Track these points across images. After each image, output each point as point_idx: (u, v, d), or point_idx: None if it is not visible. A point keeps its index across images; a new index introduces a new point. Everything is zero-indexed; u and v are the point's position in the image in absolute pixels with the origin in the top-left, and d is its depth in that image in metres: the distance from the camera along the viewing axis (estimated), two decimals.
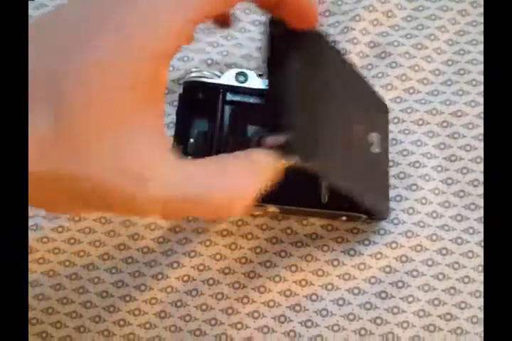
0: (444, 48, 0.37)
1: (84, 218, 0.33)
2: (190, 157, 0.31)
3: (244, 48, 0.37)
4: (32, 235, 0.33)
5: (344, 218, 0.32)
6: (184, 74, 0.36)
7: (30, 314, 0.32)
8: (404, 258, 0.32)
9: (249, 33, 0.38)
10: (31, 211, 0.33)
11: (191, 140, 0.32)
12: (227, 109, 0.31)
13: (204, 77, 0.32)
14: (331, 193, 0.30)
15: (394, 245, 0.33)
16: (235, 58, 0.37)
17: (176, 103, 0.34)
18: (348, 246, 0.33)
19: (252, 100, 0.32)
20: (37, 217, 0.33)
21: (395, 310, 0.32)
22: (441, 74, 0.36)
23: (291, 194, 0.30)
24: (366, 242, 0.33)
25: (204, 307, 0.32)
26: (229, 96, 0.32)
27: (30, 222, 0.33)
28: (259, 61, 0.37)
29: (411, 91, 0.36)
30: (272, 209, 0.31)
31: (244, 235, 0.33)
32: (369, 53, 0.37)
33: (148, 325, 0.32)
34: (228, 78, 0.32)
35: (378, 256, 0.32)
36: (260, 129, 0.31)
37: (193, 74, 0.32)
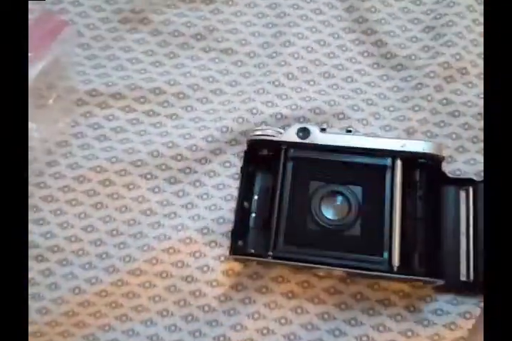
0: None
1: (145, 272, 0.32)
2: (254, 213, 0.31)
3: (313, 101, 0.37)
4: (91, 288, 0.32)
5: (421, 283, 0.30)
6: (253, 126, 0.35)
7: None
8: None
9: (319, 86, 0.37)
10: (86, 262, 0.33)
11: (255, 197, 0.31)
12: (290, 165, 0.31)
13: (267, 135, 0.32)
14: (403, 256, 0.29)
15: (468, 315, 0.31)
16: (303, 112, 0.36)
17: (241, 154, 0.34)
18: (420, 315, 0.31)
19: (314, 156, 0.32)
20: (96, 269, 0.32)
21: None
22: None
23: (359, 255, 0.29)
24: (439, 312, 0.31)
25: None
26: (291, 153, 0.32)
27: (89, 274, 0.32)
28: (326, 115, 0.36)
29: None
30: (339, 272, 0.29)
31: (311, 298, 0.32)
32: (441, 110, 0.36)
33: None
34: (290, 134, 0.32)
35: (452, 326, 0.30)
36: (323, 185, 0.31)
37: (257, 133, 0.32)
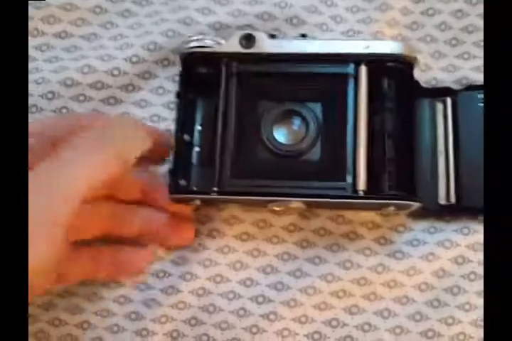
0: None
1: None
2: (197, 147, 0.26)
3: (260, 5, 0.30)
4: None
5: (392, 208, 0.26)
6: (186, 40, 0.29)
7: None
8: (460, 260, 0.27)
9: None
10: None
11: (197, 127, 0.26)
12: (233, 82, 0.26)
13: (204, 46, 0.26)
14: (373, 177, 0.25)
15: (447, 244, 0.27)
16: (248, 18, 0.30)
17: (176, 78, 0.28)
18: (393, 247, 0.27)
19: (262, 68, 0.27)
20: None
21: (450, 321, 0.27)
22: None
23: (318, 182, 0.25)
24: (415, 242, 0.27)
25: (224, 325, 0.27)
26: (234, 67, 0.26)
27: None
28: (279, 21, 0.30)
29: (465, 56, 0.30)
30: (296, 204, 0.25)
31: (269, 239, 0.28)
32: None
33: None
34: (232, 44, 0.26)
35: (430, 257, 0.27)
36: (274, 104, 0.26)
37: (191, 44, 0.27)
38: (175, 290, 0.27)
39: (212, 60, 0.26)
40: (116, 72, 0.29)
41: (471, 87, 0.29)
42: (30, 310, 0.27)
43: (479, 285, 0.27)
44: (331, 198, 0.25)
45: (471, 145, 0.28)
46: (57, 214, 0.20)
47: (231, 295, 0.27)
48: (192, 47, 0.27)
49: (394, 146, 0.26)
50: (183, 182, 0.26)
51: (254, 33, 0.27)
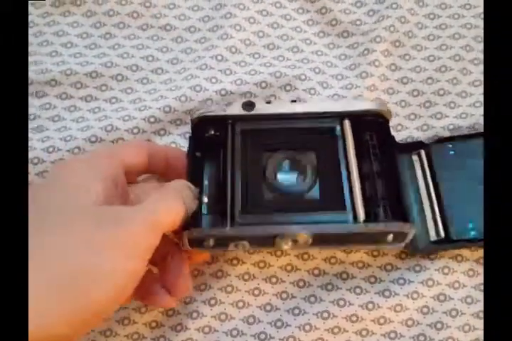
0: (470, 68, 0.35)
1: None
2: (205, 199, 0.29)
3: (258, 75, 0.35)
4: None
5: (390, 237, 0.28)
6: (197, 104, 0.34)
7: None
8: (442, 297, 0.30)
9: (264, 58, 0.36)
10: None
11: (205, 182, 0.30)
12: (238, 139, 0.30)
13: (210, 111, 0.31)
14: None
15: (430, 283, 0.30)
16: (248, 86, 0.35)
17: (187, 135, 0.32)
18: (382, 286, 0.30)
19: (262, 126, 0.30)
20: None
21: None
22: (468, 96, 0.35)
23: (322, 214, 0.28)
24: (401, 281, 0.30)
25: None
26: (238, 126, 0.30)
27: None
28: (275, 88, 0.35)
29: (438, 116, 0.35)
30: (303, 236, 0.27)
31: (267, 278, 0.31)
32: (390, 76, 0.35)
33: None
34: (235, 109, 0.31)
35: (414, 295, 0.30)
36: (275, 154, 0.30)
37: (201, 111, 0.31)
38: (184, 328, 0.30)
39: (220, 122, 0.30)
40: (136, 131, 0.33)
41: (441, 140, 0.33)
42: None
43: (460, 320, 0.29)
44: (335, 223, 0.27)
45: (449, 186, 0.31)
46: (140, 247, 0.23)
47: (234, 332, 0.29)
48: (201, 113, 0.31)
49: (384, 185, 0.29)
50: (196, 232, 0.28)
51: (253, 99, 0.31)
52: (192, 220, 0.28)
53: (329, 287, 0.30)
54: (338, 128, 0.30)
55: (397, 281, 0.30)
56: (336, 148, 0.30)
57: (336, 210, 0.28)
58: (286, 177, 0.30)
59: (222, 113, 0.31)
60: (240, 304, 0.30)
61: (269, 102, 0.31)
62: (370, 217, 0.28)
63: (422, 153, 0.32)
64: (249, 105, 0.31)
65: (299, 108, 0.31)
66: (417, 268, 0.30)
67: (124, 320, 0.30)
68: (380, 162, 0.30)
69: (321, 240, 0.28)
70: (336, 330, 0.29)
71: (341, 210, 0.28)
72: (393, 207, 0.28)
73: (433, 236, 0.30)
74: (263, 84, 0.35)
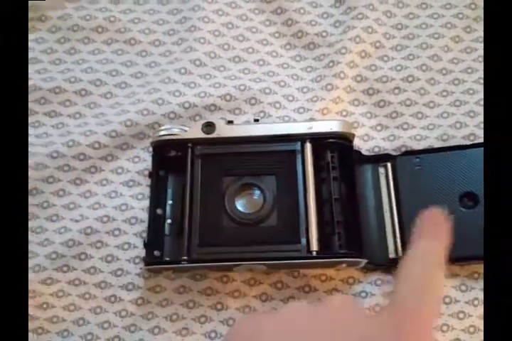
0: (438, 78, 0.35)
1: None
2: (169, 220, 0.30)
3: (223, 87, 0.35)
4: None
5: (344, 265, 0.29)
6: (160, 118, 0.34)
7: None
8: None
9: (229, 71, 0.36)
10: None
11: (169, 202, 0.30)
12: (198, 163, 0.30)
13: (171, 134, 0.31)
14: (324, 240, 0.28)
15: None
16: (212, 99, 0.35)
17: (150, 149, 0.32)
18: None
19: (222, 150, 0.30)
20: None
21: None
22: (436, 106, 0.35)
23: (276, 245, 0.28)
24: (363, 294, 0.30)
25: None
26: (198, 150, 0.30)
27: None
28: (239, 101, 0.35)
29: (405, 126, 0.34)
30: (259, 266, 0.28)
31: (231, 293, 0.30)
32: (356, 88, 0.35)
33: None
34: (195, 131, 0.31)
35: (377, 308, 0.30)
36: (234, 179, 0.30)
37: (161, 133, 0.31)
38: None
39: (179, 145, 0.30)
40: (97, 145, 0.33)
41: (408, 152, 0.33)
42: None
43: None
44: (288, 260, 0.28)
45: (411, 202, 0.31)
46: None
47: None
48: (161, 135, 0.31)
49: (341, 210, 0.29)
50: (157, 252, 0.29)
51: (213, 121, 0.31)
52: (153, 243, 0.29)
53: (291, 300, 0.30)
54: (299, 151, 0.30)
55: (359, 294, 0.30)
56: (295, 172, 0.30)
57: (290, 243, 0.28)
58: (244, 205, 0.30)
59: (182, 136, 0.30)
60: (202, 319, 0.30)
61: (231, 122, 0.31)
62: (324, 248, 0.28)
63: (388, 166, 0.32)
64: (209, 126, 0.31)
65: (260, 130, 0.31)
66: (379, 282, 0.30)
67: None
68: (340, 186, 0.30)
69: (276, 268, 0.29)
70: None
71: (295, 243, 0.28)
72: (349, 234, 0.29)
73: (392, 254, 0.30)
74: (227, 97, 0.35)
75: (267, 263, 0.28)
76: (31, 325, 0.30)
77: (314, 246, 0.28)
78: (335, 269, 0.30)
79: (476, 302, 0.29)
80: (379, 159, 0.33)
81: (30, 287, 0.30)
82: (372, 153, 0.34)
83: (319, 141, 0.30)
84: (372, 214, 0.31)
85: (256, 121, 0.32)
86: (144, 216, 0.31)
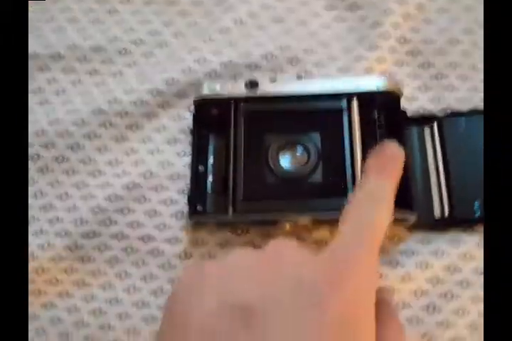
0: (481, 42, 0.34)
1: (98, 234, 0.31)
2: (210, 177, 0.29)
3: (265, 46, 0.35)
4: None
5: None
6: (201, 76, 0.33)
7: None
8: (452, 268, 0.29)
9: (270, 30, 0.35)
10: None
11: (210, 159, 0.30)
12: (241, 120, 0.30)
13: (215, 92, 0.30)
14: None
15: (439, 254, 0.29)
16: (254, 58, 0.34)
17: (191, 107, 0.32)
18: (389, 257, 0.30)
19: (265, 107, 0.30)
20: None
21: (445, 324, 0.28)
22: (480, 69, 0.34)
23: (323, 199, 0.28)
24: (409, 252, 0.30)
25: None
26: (241, 107, 0.30)
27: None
28: (280, 60, 0.34)
29: (449, 88, 0.34)
30: (304, 220, 0.28)
31: None
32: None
33: None
34: (238, 88, 0.30)
35: (424, 266, 0.29)
36: (278, 136, 0.29)
37: (204, 91, 0.31)
38: None
39: (222, 103, 0.30)
40: (139, 103, 0.33)
41: (454, 113, 0.32)
42: None
43: (471, 292, 0.29)
44: (335, 213, 0.27)
45: (459, 163, 0.30)
46: None
47: None
48: (203, 94, 0.30)
49: None
50: (199, 207, 0.29)
51: (257, 77, 0.31)
52: (196, 200, 0.29)
53: None
54: (345, 108, 0.30)
55: (404, 252, 0.30)
56: (342, 129, 0.29)
57: (337, 196, 0.28)
58: (288, 161, 0.29)
59: (225, 94, 0.30)
60: None
61: (274, 80, 0.31)
62: None
63: (435, 126, 0.31)
64: (252, 84, 0.30)
65: (304, 87, 0.30)
66: (425, 241, 0.30)
67: None
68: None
69: (321, 223, 0.29)
70: None
71: (342, 196, 0.27)
72: (398, 192, 0.28)
73: (437, 215, 0.30)
74: (268, 56, 0.34)
75: (313, 214, 0.28)
76: (73, 277, 0.30)
77: None
78: None
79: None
80: (425, 120, 0.32)
81: (70, 241, 0.30)
82: (417, 115, 0.33)
83: (366, 98, 0.30)
84: (418, 176, 0.30)
85: (299, 78, 0.31)
86: (186, 172, 0.31)
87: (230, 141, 0.29)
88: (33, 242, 0.30)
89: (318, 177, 0.29)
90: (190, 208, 0.29)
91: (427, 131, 0.32)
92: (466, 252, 0.29)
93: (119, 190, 0.31)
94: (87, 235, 0.31)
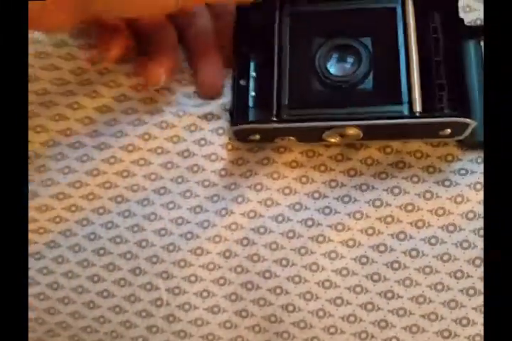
0: None
1: (138, 148, 0.30)
2: (252, 92, 0.28)
3: None
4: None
5: (449, 131, 0.26)
6: None
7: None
8: None
9: None
10: None
11: (253, 73, 0.28)
12: (287, 21, 0.28)
13: None
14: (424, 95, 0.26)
15: None
16: None
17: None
18: (441, 176, 0.28)
19: (312, 8, 0.28)
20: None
21: None
22: None
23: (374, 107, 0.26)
24: (463, 172, 0.28)
25: (274, 246, 0.28)
26: (287, 8, 0.28)
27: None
28: None
29: None
30: (353, 130, 0.26)
31: (317, 167, 0.29)
32: None
33: (211, 266, 0.28)
34: None
35: (478, 186, 0.27)
36: (326, 40, 0.27)
37: None
38: (228, 212, 0.29)
39: (266, 4, 0.28)
40: None
41: None
42: None
43: None
44: (389, 119, 0.25)
45: None
46: None
47: (280, 218, 0.28)
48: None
49: (445, 72, 0.26)
50: (241, 120, 0.27)
51: None
52: (238, 113, 0.27)
53: (383, 176, 0.28)
54: (400, 8, 0.27)
55: (458, 172, 0.28)
56: (396, 32, 0.27)
57: (391, 103, 0.26)
58: (337, 67, 0.27)
59: None
60: (287, 191, 0.29)
61: None
62: (428, 109, 0.25)
63: None
64: None
65: None
66: (480, 160, 0.28)
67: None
68: (445, 47, 0.27)
69: (372, 134, 0.27)
70: (388, 220, 0.28)
71: (396, 102, 0.26)
72: (455, 97, 0.26)
73: None
74: None
75: (363, 123, 0.26)
76: (121, 207, 0.30)
77: (418, 106, 0.25)
78: (431, 144, 0.28)
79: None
80: (482, 32, 0.29)
81: (121, 167, 0.30)
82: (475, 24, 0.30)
83: None
84: (474, 88, 0.28)
85: None
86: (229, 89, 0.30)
87: (275, 45, 0.27)
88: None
89: (369, 83, 0.27)
90: (231, 120, 0.28)
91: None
92: None
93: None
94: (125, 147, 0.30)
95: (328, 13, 0.28)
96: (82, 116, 0.31)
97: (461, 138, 0.27)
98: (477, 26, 0.30)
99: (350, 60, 0.28)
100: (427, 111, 0.25)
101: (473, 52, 0.29)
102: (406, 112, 0.26)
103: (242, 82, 0.28)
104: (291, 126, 0.27)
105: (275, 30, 0.28)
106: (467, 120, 0.25)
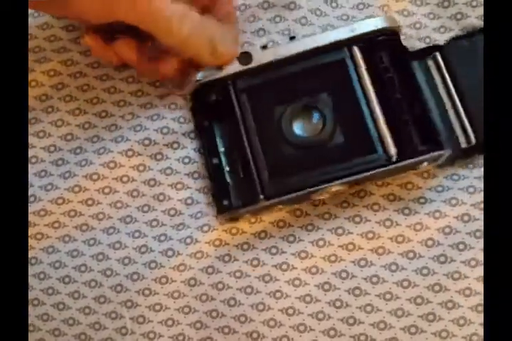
0: None
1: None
2: (227, 167, 0.28)
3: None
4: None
5: (425, 164, 0.27)
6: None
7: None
8: (466, 218, 0.28)
9: None
10: None
11: (221, 149, 0.28)
12: (244, 97, 0.28)
13: (206, 76, 0.28)
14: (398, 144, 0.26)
15: (471, 190, 0.28)
16: (251, 10, 0.32)
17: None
18: (401, 204, 0.29)
19: (265, 78, 0.28)
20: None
21: (456, 276, 0.27)
22: None
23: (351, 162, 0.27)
24: (422, 200, 0.29)
25: (238, 274, 0.29)
26: (240, 84, 0.28)
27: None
28: (276, 7, 0.32)
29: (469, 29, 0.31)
30: (336, 188, 0.27)
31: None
32: None
33: (176, 294, 0.29)
34: (232, 65, 0.28)
35: (437, 214, 0.28)
36: (287, 105, 0.28)
37: (197, 77, 0.29)
38: (193, 240, 0.29)
39: (219, 84, 0.28)
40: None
41: (456, 38, 0.31)
42: None
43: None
44: (368, 171, 0.26)
45: (471, 88, 0.29)
46: None
47: (245, 246, 0.29)
48: (197, 80, 0.29)
49: (406, 106, 0.27)
50: (225, 202, 0.28)
51: (247, 49, 0.29)
52: (221, 196, 0.28)
53: (345, 204, 0.29)
54: (348, 57, 0.28)
55: (417, 200, 0.29)
56: (351, 82, 0.27)
57: (365, 153, 0.27)
58: (305, 129, 0.28)
59: (219, 75, 0.28)
60: (252, 220, 0.29)
61: (265, 47, 0.29)
62: (401, 148, 0.26)
63: (438, 56, 0.30)
64: (245, 57, 0.28)
65: (299, 46, 0.28)
66: (439, 189, 0.29)
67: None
68: (399, 83, 0.27)
69: (356, 184, 0.28)
70: (350, 247, 0.28)
71: (370, 152, 0.26)
72: (423, 130, 0.27)
73: (463, 144, 0.29)
74: (265, 5, 0.32)
75: (345, 181, 0.26)
76: (86, 236, 0.30)
77: (391, 149, 0.26)
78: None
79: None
80: (425, 52, 0.30)
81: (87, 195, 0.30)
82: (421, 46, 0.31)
83: (366, 42, 0.28)
84: (434, 110, 0.29)
85: (292, 38, 0.29)
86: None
87: (239, 122, 0.28)
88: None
89: (339, 138, 0.27)
90: (217, 204, 0.28)
91: (429, 62, 0.30)
92: (481, 201, 0.28)
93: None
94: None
95: (281, 80, 0.28)
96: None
97: (438, 163, 0.28)
98: (421, 49, 0.31)
99: (314, 119, 0.28)
100: (402, 152, 0.26)
101: (420, 70, 0.30)
102: (383, 161, 0.26)
103: (215, 161, 0.28)
104: (278, 200, 0.27)
105: (235, 105, 0.28)
106: (441, 152, 0.26)
